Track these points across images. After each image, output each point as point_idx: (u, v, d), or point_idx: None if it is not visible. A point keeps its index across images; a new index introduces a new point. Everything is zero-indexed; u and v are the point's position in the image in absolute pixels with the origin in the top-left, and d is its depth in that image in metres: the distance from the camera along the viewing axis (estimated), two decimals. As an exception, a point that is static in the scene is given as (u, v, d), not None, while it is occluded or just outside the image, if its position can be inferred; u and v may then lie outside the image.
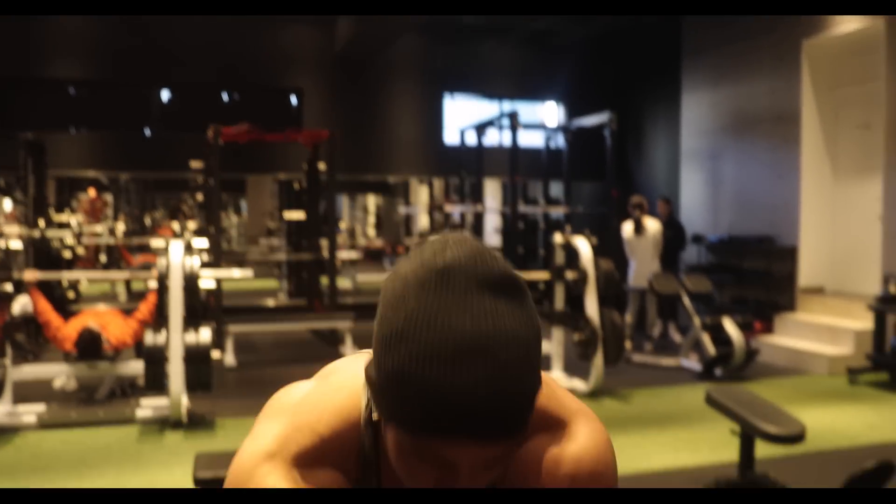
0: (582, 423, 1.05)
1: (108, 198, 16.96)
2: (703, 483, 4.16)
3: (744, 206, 8.90)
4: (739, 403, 3.92)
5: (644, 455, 4.72)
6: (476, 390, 0.79)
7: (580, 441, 1.03)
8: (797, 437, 3.66)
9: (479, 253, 0.86)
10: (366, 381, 0.93)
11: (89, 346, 5.50)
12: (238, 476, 0.98)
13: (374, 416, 0.97)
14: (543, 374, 1.03)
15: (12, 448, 4.88)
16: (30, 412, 5.47)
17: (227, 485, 0.99)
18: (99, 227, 12.16)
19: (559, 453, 1.02)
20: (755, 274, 8.56)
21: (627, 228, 8.25)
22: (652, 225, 8.16)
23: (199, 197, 11.48)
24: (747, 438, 4.00)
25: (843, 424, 5.42)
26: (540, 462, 1.02)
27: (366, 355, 1.08)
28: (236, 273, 6.65)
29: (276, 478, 0.95)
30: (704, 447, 4.84)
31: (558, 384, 1.10)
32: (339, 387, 1.01)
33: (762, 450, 4.20)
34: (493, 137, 11.31)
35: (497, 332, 0.81)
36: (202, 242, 5.75)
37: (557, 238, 6.60)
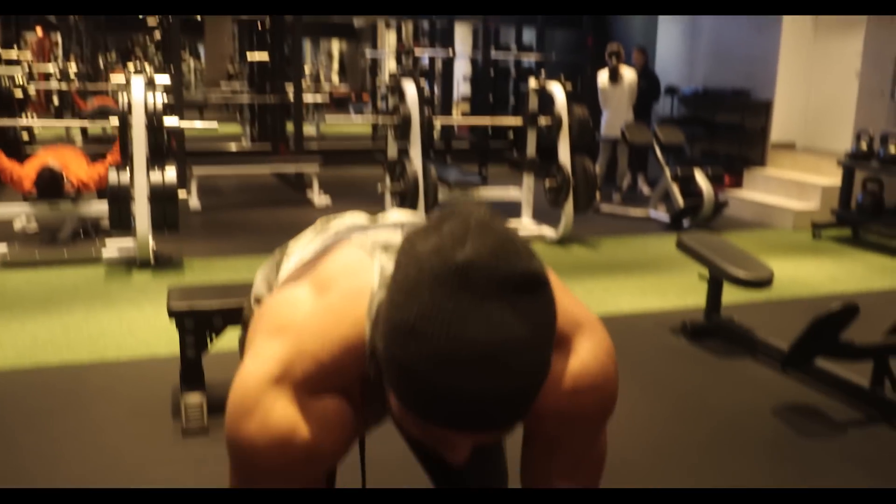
0: (585, 336, 1.07)
1: (57, 38, 16.16)
2: (670, 325, 4.26)
3: (720, 59, 8.73)
4: (710, 248, 3.95)
5: (612, 298, 4.79)
6: (485, 396, 0.79)
7: (582, 355, 1.06)
8: (766, 282, 3.72)
9: (501, 247, 0.81)
10: (369, 347, 0.95)
11: (50, 185, 5.34)
12: (245, 399, 0.97)
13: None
14: (555, 282, 1.00)
15: (-24, 286, 4.80)
16: (-8, 251, 5.36)
17: (233, 408, 0.99)
18: (50, 67, 11.64)
19: (562, 368, 1.05)
20: (728, 127, 8.51)
21: (602, 77, 8.07)
22: (628, 74, 7.99)
23: (157, 36, 10.96)
24: (715, 282, 4.06)
25: (805, 275, 5.53)
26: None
27: (362, 258, 1.06)
28: (198, 124, 6.45)
29: (284, 403, 0.96)
30: (671, 292, 4.92)
31: (567, 293, 1.10)
32: (341, 313, 0.99)
33: (726, 296, 4.29)
34: (465, -21, 10.84)
35: (510, 341, 0.79)
36: (164, 79, 5.49)
37: (532, 83, 6.44)
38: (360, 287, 0.99)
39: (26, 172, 5.42)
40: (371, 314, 0.97)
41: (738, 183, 8.07)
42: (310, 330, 0.98)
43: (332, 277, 1.04)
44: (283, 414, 0.96)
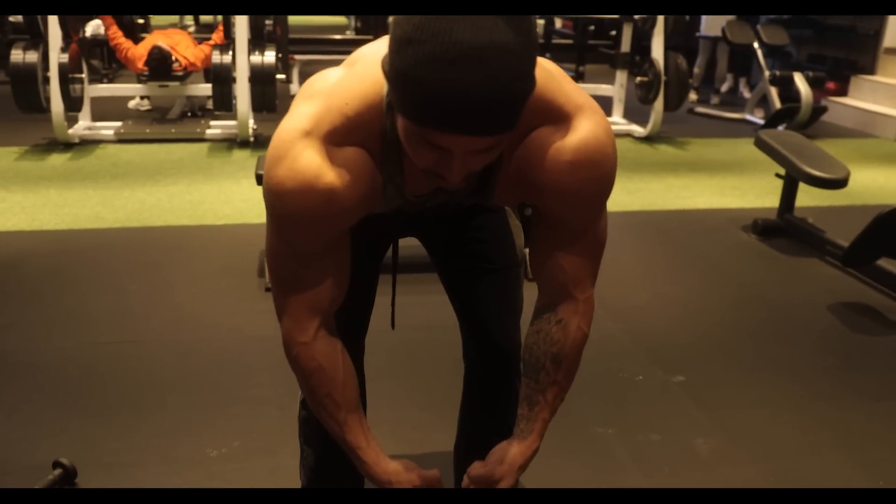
0: (585, 116, 1.16)
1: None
2: (743, 222, 4.30)
3: (838, -45, 8.27)
4: (787, 146, 3.94)
5: (690, 196, 4.84)
6: (469, 92, 0.90)
7: (581, 132, 1.15)
8: (840, 182, 3.71)
9: None
10: (386, 101, 1.08)
11: (160, 64, 5.67)
12: (278, 149, 1.12)
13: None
14: (552, 67, 1.15)
15: (94, 157, 5.24)
16: (108, 127, 5.79)
17: (268, 159, 1.14)
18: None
19: (562, 143, 1.15)
20: (837, 29, 8.13)
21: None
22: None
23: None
24: (790, 181, 4.07)
25: (895, 185, 5.41)
26: (545, 150, 1.16)
27: (384, 39, 1.19)
28: None
29: (312, 152, 1.11)
30: (751, 193, 4.92)
31: (567, 77, 1.20)
32: (364, 75, 1.14)
33: (806, 199, 4.29)
34: None
35: (493, 44, 0.89)
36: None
37: (629, -23, 6.33)
38: (381, 58, 1.09)
39: (139, 52, 5.76)
40: (387, 90, 1.11)
41: (843, 90, 7.76)
42: (337, 91, 1.14)
43: (359, 56, 1.21)
44: (309, 160, 1.10)
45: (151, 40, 5.92)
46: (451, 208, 1.38)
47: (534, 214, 1.29)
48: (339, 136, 1.12)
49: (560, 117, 1.15)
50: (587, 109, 1.17)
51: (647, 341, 2.95)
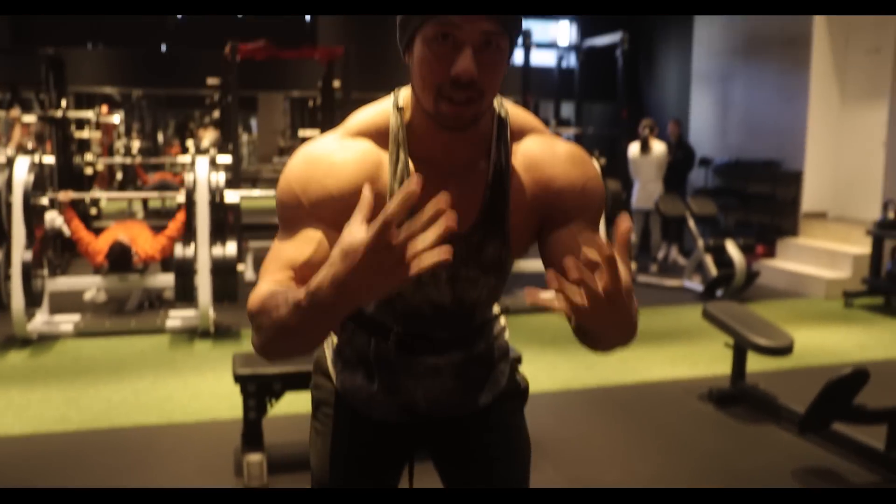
0: (557, 136, 1.44)
1: (121, 115, 17.04)
2: (698, 392, 4.48)
3: (752, 130, 9.03)
4: (733, 318, 4.20)
5: (645, 367, 5.03)
6: None
7: (562, 142, 1.41)
8: (785, 350, 3.95)
9: None
10: (397, 25, 1.26)
11: (120, 259, 5.78)
12: (296, 152, 1.32)
13: (400, 103, 1.34)
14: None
15: (54, 354, 5.22)
16: (66, 321, 5.80)
17: (293, 158, 1.31)
18: (117, 144, 12.34)
19: (552, 147, 1.39)
20: (760, 198, 8.76)
21: (633, 148, 8.43)
22: (657, 146, 8.33)
23: (216, 114, 11.61)
24: (739, 351, 4.30)
25: (833, 344, 5.71)
26: (541, 153, 1.38)
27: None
28: (256, 192, 6.90)
29: (331, 139, 1.33)
30: (701, 362, 5.14)
31: None
32: (374, 105, 1.38)
33: (755, 364, 4.51)
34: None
35: None
36: (226, 158, 5.96)
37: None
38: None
39: (99, 247, 5.88)
40: (396, 92, 1.36)
41: (770, 252, 8.27)
42: (350, 119, 1.39)
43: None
44: (321, 144, 1.33)
45: (112, 234, 6.05)
46: (465, 262, 1.38)
47: (544, 240, 1.35)
48: (353, 132, 1.34)
49: (540, 130, 1.40)
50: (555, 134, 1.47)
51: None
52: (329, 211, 1.26)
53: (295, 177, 1.29)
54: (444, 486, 1.64)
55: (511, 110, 1.39)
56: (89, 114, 8.96)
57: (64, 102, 8.73)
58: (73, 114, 8.76)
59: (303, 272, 1.22)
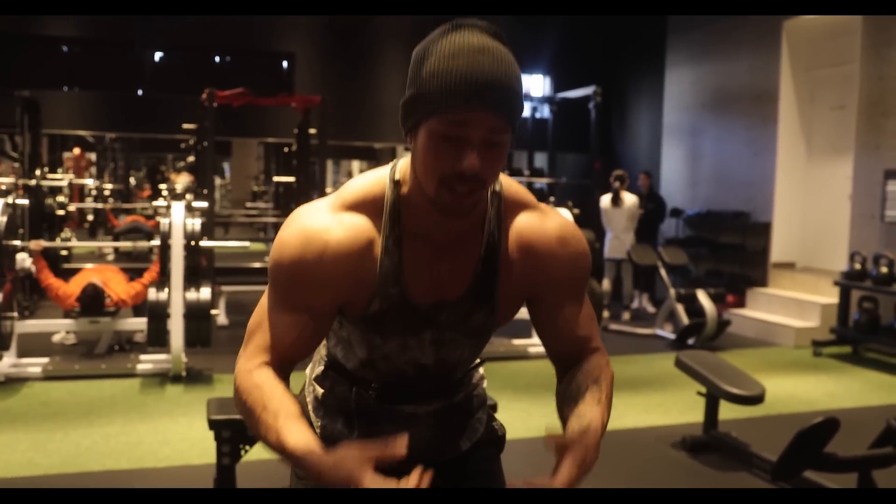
0: (548, 209, 1.44)
1: (92, 157, 16.98)
2: (671, 440, 4.51)
3: (721, 182, 9.21)
4: (705, 367, 4.25)
5: (618, 415, 5.01)
6: (484, 72, 1.18)
7: (554, 217, 1.43)
8: (757, 399, 4.00)
9: (480, 22, 1.24)
10: (400, 108, 1.27)
11: (92, 301, 5.73)
12: (290, 218, 1.33)
13: (398, 175, 1.34)
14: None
15: (21, 397, 5.13)
16: (34, 364, 5.71)
17: (288, 226, 1.32)
18: (87, 184, 12.28)
19: (543, 225, 1.41)
20: (730, 248, 8.90)
21: (605, 200, 8.57)
22: (629, 198, 8.48)
23: (190, 159, 11.63)
24: (712, 399, 4.34)
25: (803, 392, 5.77)
26: (532, 231, 1.40)
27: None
28: (233, 243, 6.91)
29: (321, 215, 1.32)
30: (674, 409, 5.18)
31: None
32: (370, 174, 1.39)
33: (727, 412, 4.55)
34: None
35: (494, 45, 1.21)
36: (201, 204, 5.97)
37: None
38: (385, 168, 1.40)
39: (71, 290, 5.82)
40: (393, 166, 1.36)
41: (741, 302, 8.38)
42: (344, 187, 1.38)
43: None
44: (316, 220, 1.32)
45: (84, 277, 6.00)
46: (453, 326, 1.43)
47: (533, 309, 1.45)
48: (348, 205, 1.34)
49: (532, 206, 1.41)
50: (546, 207, 1.45)
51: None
52: (319, 297, 1.33)
53: (289, 254, 1.31)
54: None
55: (505, 185, 1.42)
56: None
57: (29, 143, 8.69)
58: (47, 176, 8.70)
59: (286, 352, 1.34)
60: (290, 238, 1.31)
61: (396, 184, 1.34)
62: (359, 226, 1.33)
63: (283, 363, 1.34)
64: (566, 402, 1.40)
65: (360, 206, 1.34)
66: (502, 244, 1.39)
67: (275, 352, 1.33)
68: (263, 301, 1.37)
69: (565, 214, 1.44)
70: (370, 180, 1.37)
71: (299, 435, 1.20)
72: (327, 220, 1.32)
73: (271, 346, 1.33)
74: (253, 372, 1.31)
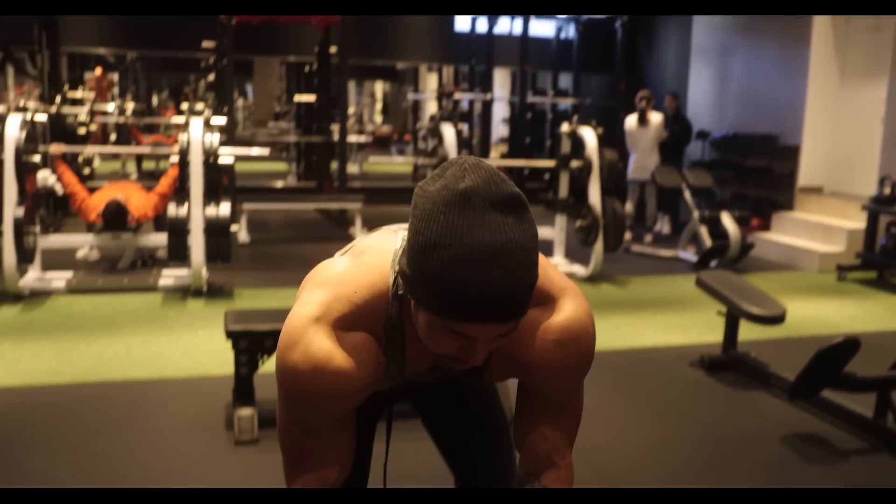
0: (568, 299, 1.33)
1: (114, 77, 16.91)
2: (689, 359, 4.50)
3: (750, 104, 8.99)
4: (726, 286, 4.20)
5: (637, 334, 5.04)
6: (493, 288, 1.05)
7: (565, 313, 1.31)
8: (778, 318, 3.96)
9: (492, 177, 1.09)
10: (399, 275, 1.19)
11: (115, 217, 5.75)
12: (291, 335, 1.24)
13: (400, 290, 1.25)
14: (543, 259, 1.30)
15: (46, 310, 5.21)
16: (58, 278, 5.78)
17: (282, 343, 1.25)
18: (108, 106, 12.27)
19: (548, 323, 1.31)
20: (757, 172, 8.74)
21: (631, 120, 8.41)
22: (655, 118, 8.31)
23: (210, 77, 11.52)
24: (732, 319, 4.30)
25: (825, 315, 5.72)
26: (534, 330, 1.31)
27: (388, 234, 1.36)
28: (254, 151, 6.87)
29: (322, 337, 1.23)
30: (693, 329, 5.16)
31: (550, 264, 1.37)
32: (371, 266, 1.27)
33: (747, 333, 4.52)
34: (504, 26, 11.28)
35: (507, 242, 1.05)
36: (220, 120, 5.92)
37: (564, 127, 6.76)
38: (387, 249, 1.26)
39: (94, 204, 5.84)
40: (394, 266, 1.25)
41: (766, 226, 8.27)
42: (345, 280, 1.26)
43: (366, 245, 1.34)
44: (321, 344, 1.21)
45: (106, 193, 6.01)
46: (444, 381, 1.50)
47: (519, 389, 1.42)
48: (347, 322, 1.24)
49: (546, 300, 1.31)
50: (569, 293, 1.33)
51: (614, 482, 3.04)
52: (345, 411, 1.31)
53: (307, 385, 1.24)
54: (424, 424, 1.73)
55: None
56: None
57: (47, 61, 8.62)
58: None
59: (335, 484, 1.35)
60: (302, 367, 1.23)
61: (398, 298, 1.26)
62: (365, 349, 1.26)
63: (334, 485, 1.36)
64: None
65: (361, 321, 1.25)
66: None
67: (325, 483, 1.34)
68: (288, 425, 1.33)
69: (580, 308, 1.34)
70: (367, 290, 1.25)
71: None
72: (331, 349, 1.23)
73: (319, 478, 1.33)
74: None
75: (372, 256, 1.29)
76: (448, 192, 1.07)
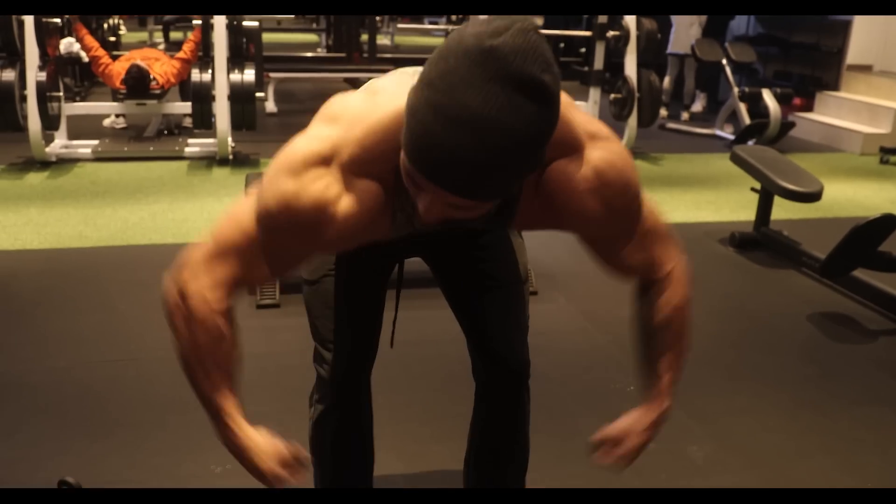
0: (597, 145, 1.20)
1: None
2: (719, 236, 4.40)
3: (801, -25, 8.50)
4: (762, 161, 4.05)
5: (668, 210, 4.90)
6: (456, 152, 0.93)
7: (594, 161, 1.19)
8: (814, 196, 3.82)
9: (528, 51, 0.93)
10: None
11: (138, 82, 5.66)
12: (294, 162, 1.14)
13: None
14: (563, 100, 1.09)
15: (72, 176, 5.21)
16: (84, 146, 5.76)
17: (281, 165, 1.15)
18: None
19: (578, 174, 1.18)
20: (803, 47, 8.35)
21: (674, -13, 8.01)
22: (700, -13, 7.90)
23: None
24: (766, 195, 4.18)
25: (863, 197, 5.56)
26: (563, 183, 1.19)
27: (405, 77, 1.24)
28: (277, 15, 6.65)
29: (329, 180, 1.14)
30: (726, 207, 5.04)
31: (578, 110, 1.23)
32: (385, 108, 1.15)
33: (780, 212, 4.40)
34: None
35: (494, 119, 0.91)
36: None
37: (602, -5, 6.45)
38: (402, 92, 1.10)
39: (116, 70, 5.75)
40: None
41: (808, 105, 7.97)
42: (358, 121, 1.15)
43: (382, 86, 1.23)
44: (324, 188, 1.13)
45: (128, 59, 5.91)
46: (461, 231, 1.41)
47: (580, 239, 1.32)
48: (357, 167, 1.14)
49: (573, 149, 1.18)
50: (599, 137, 1.21)
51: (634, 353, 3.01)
52: (315, 255, 1.27)
53: (291, 219, 1.14)
54: (435, 278, 1.67)
55: None
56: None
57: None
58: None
59: (252, 286, 1.31)
60: (296, 202, 1.13)
61: None
62: (372, 198, 1.16)
63: (242, 293, 1.29)
64: (643, 356, 1.46)
65: (371, 167, 1.15)
66: (529, 193, 1.22)
67: (241, 284, 1.25)
68: (240, 217, 1.21)
69: (609, 151, 1.15)
70: (379, 135, 1.13)
71: (229, 401, 1.28)
72: (335, 193, 1.14)
73: (240, 279, 1.23)
74: (219, 315, 1.24)
75: (386, 97, 1.18)
76: (475, 41, 0.94)
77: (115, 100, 5.96)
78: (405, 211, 1.23)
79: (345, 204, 1.14)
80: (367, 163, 1.14)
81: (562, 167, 1.18)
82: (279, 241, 1.19)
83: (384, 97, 1.19)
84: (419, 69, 1.19)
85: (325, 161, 1.14)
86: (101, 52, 5.76)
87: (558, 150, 1.16)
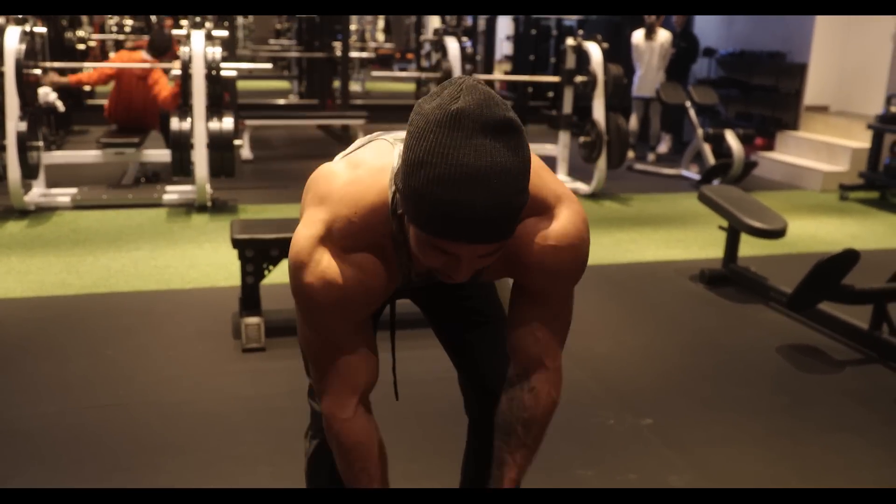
0: (564, 206, 1.36)
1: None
2: (690, 273, 4.54)
3: (758, 21, 8.83)
4: (728, 200, 4.21)
5: (638, 249, 5.08)
6: (474, 208, 1.07)
7: (562, 221, 1.35)
8: (779, 232, 3.98)
9: (486, 100, 1.09)
10: (395, 187, 1.23)
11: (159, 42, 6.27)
12: (300, 256, 1.30)
13: (399, 210, 1.28)
14: (535, 162, 1.31)
15: (52, 224, 5.25)
16: (64, 194, 5.79)
17: (293, 264, 1.31)
18: (109, 21, 12.06)
19: (546, 231, 1.34)
20: (763, 90, 8.64)
21: (638, 34, 8.31)
22: (662, 34, 8.21)
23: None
24: (733, 233, 4.33)
25: (826, 233, 5.75)
26: (531, 237, 1.34)
27: (385, 146, 1.39)
28: (254, 65, 6.80)
29: (329, 256, 1.29)
30: (695, 245, 5.19)
31: (548, 171, 1.40)
32: (369, 183, 1.30)
33: (747, 249, 4.56)
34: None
35: (492, 166, 1.07)
36: (221, 33, 5.84)
37: (569, 41, 6.67)
38: (384, 164, 1.30)
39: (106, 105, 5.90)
40: (391, 185, 1.28)
41: (770, 145, 8.23)
42: (345, 199, 1.29)
43: (362, 158, 1.37)
44: (329, 263, 1.28)
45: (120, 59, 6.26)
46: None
47: (514, 293, 1.46)
48: (350, 242, 1.30)
49: (543, 209, 1.34)
50: (565, 199, 1.37)
51: (613, 387, 3.12)
52: (362, 317, 1.39)
53: (322, 301, 1.30)
54: (426, 319, 1.79)
55: None
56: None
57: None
58: None
59: (366, 387, 1.43)
60: (316, 286, 1.29)
61: (398, 216, 1.29)
62: (371, 262, 1.32)
63: (365, 394, 1.43)
64: (497, 444, 1.51)
65: (363, 240, 1.30)
66: None
67: (355, 386, 1.40)
68: (310, 337, 1.39)
69: (576, 215, 1.35)
70: (367, 211, 1.29)
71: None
72: (340, 265, 1.29)
73: (349, 382, 1.39)
74: (351, 422, 1.41)
75: (369, 172, 1.32)
76: (441, 111, 1.09)
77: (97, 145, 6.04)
78: (404, 269, 1.38)
79: (350, 274, 1.30)
80: (358, 238, 1.30)
81: (532, 224, 1.34)
82: (329, 323, 1.34)
83: (366, 172, 1.33)
84: (398, 134, 1.38)
85: (322, 241, 1.29)
86: (93, 75, 6.07)
87: (532, 208, 1.31)
